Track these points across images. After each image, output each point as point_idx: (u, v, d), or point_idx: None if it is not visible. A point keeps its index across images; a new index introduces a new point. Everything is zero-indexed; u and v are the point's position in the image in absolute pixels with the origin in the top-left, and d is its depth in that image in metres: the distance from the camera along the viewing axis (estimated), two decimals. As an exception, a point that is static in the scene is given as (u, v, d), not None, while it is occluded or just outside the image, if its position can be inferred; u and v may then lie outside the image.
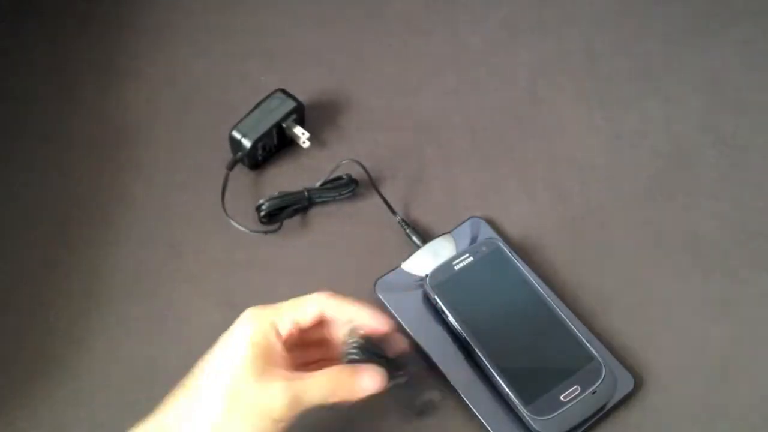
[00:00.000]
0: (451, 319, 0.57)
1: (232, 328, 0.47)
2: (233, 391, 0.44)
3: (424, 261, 0.62)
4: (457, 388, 0.57)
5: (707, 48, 0.79)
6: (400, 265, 0.63)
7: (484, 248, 0.61)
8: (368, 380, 0.47)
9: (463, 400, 0.56)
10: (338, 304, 0.49)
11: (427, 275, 0.60)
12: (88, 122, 0.72)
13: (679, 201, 0.69)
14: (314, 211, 0.67)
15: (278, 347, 0.46)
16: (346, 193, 0.67)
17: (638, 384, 0.57)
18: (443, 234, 0.64)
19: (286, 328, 0.47)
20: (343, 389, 0.47)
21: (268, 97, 0.69)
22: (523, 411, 0.54)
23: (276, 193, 0.65)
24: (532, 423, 0.54)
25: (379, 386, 0.48)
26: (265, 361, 0.45)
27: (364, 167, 0.67)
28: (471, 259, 0.60)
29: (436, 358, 0.58)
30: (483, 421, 0.55)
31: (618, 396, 0.56)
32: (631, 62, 0.78)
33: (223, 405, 0.44)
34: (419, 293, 0.61)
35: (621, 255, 0.65)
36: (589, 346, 0.56)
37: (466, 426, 0.56)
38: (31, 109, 0.73)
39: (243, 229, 0.64)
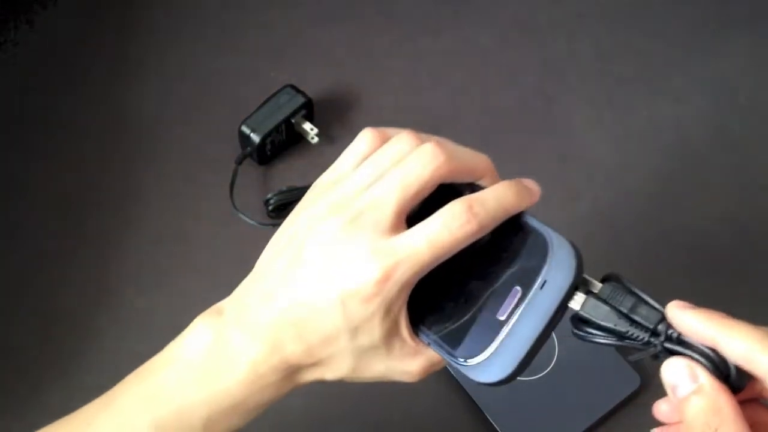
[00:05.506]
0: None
1: None
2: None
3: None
4: (464, 386, 0.57)
5: (717, 49, 0.79)
6: (407, 261, 0.63)
7: None
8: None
9: (470, 397, 0.56)
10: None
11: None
12: (99, 115, 0.72)
13: (688, 201, 0.69)
14: (322, 207, 0.67)
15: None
16: (354, 189, 0.67)
17: (645, 383, 0.57)
18: (451, 231, 0.64)
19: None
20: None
21: (277, 92, 0.69)
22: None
23: (284, 188, 0.66)
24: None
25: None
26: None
27: (372, 163, 0.68)
28: None
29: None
30: (491, 420, 0.55)
31: (624, 394, 0.57)
32: (641, 62, 0.78)
33: None
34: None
35: (628, 254, 0.65)
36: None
37: (473, 423, 0.56)
38: (42, 101, 0.73)
39: (252, 222, 0.64)
